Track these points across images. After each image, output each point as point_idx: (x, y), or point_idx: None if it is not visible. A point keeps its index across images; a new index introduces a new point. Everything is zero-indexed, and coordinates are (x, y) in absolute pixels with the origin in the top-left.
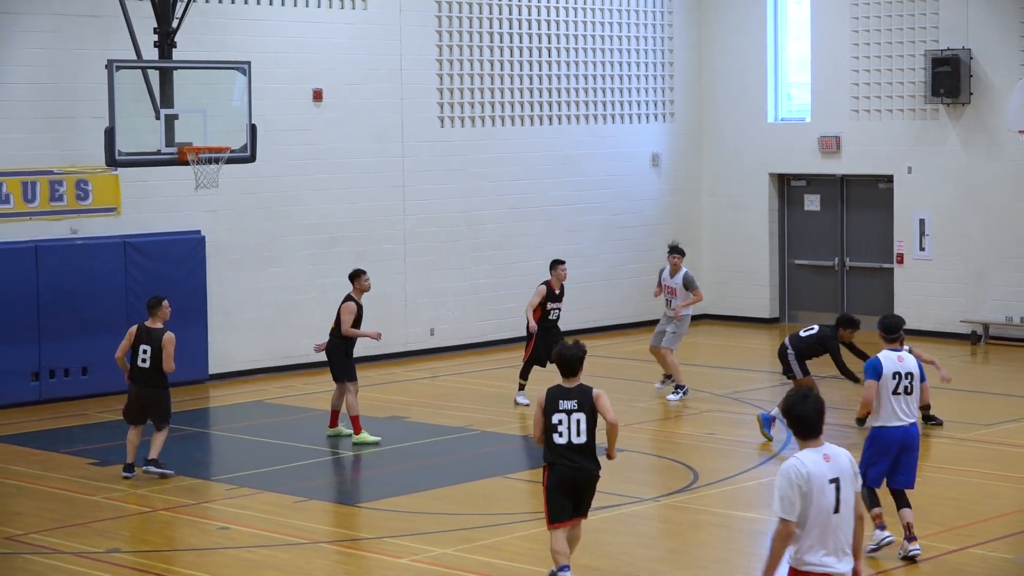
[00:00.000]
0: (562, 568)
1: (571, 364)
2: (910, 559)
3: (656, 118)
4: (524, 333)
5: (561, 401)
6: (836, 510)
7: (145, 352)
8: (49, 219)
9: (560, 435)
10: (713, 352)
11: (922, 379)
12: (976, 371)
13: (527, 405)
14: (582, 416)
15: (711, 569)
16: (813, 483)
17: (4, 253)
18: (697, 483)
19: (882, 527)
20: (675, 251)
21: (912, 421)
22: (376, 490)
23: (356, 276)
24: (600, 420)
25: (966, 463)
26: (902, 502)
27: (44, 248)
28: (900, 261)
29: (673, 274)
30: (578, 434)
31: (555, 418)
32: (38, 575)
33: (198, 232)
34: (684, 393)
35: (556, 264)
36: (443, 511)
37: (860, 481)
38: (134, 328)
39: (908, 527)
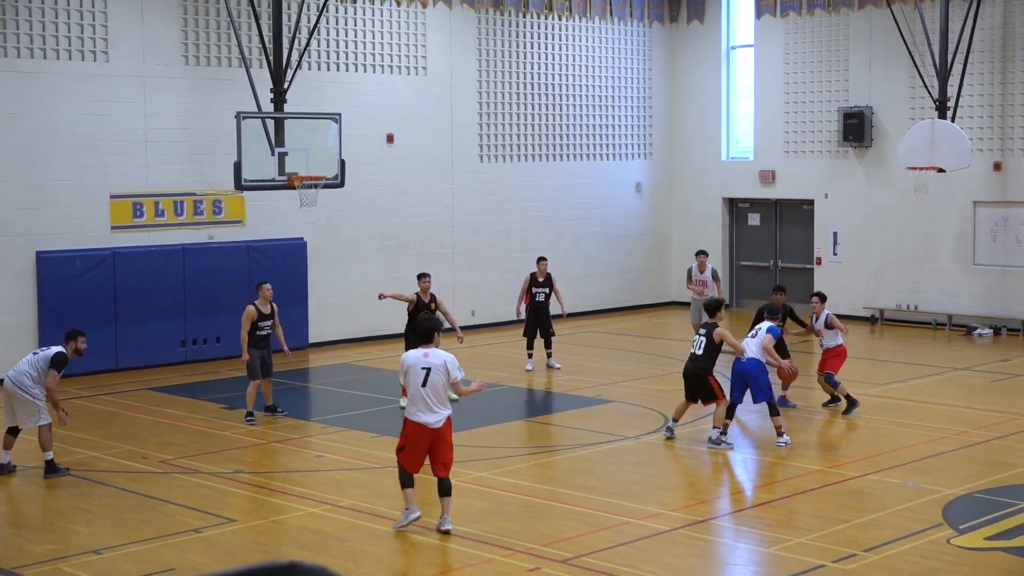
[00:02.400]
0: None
1: (427, 334)
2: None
3: (639, 156)
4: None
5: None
6: (423, 384)
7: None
8: (192, 229)
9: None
10: (680, 330)
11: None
12: (874, 344)
13: (530, 371)
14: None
15: (679, 489)
16: (409, 366)
17: (160, 253)
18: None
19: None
20: (701, 253)
21: (748, 358)
22: None
23: (420, 278)
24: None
25: (867, 413)
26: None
27: (189, 250)
28: (819, 263)
29: (701, 270)
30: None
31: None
32: (185, 489)
33: (301, 239)
34: None
35: (539, 260)
36: (479, 444)
37: (459, 374)
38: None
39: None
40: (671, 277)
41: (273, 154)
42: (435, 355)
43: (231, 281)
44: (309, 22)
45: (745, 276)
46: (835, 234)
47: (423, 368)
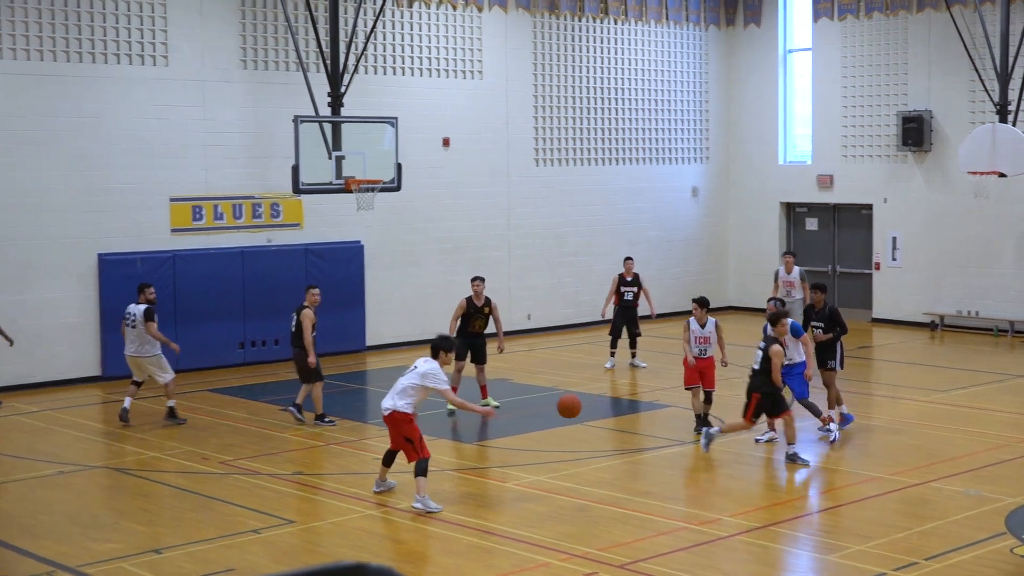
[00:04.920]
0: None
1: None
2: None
3: (695, 160)
4: (598, 318)
5: None
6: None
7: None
8: (251, 231)
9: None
10: (738, 335)
11: None
12: (934, 351)
13: (609, 368)
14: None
15: (736, 495)
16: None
17: (219, 256)
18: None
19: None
20: (788, 254)
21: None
22: (487, 432)
23: (473, 281)
24: None
25: (926, 419)
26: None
27: (247, 253)
28: (877, 268)
29: (788, 271)
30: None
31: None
32: (245, 490)
33: (358, 242)
34: None
35: (626, 260)
36: (537, 448)
37: (424, 381)
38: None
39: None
40: (727, 282)
41: (330, 158)
42: (423, 363)
43: (289, 284)
44: (366, 26)
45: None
46: (894, 239)
47: (413, 365)
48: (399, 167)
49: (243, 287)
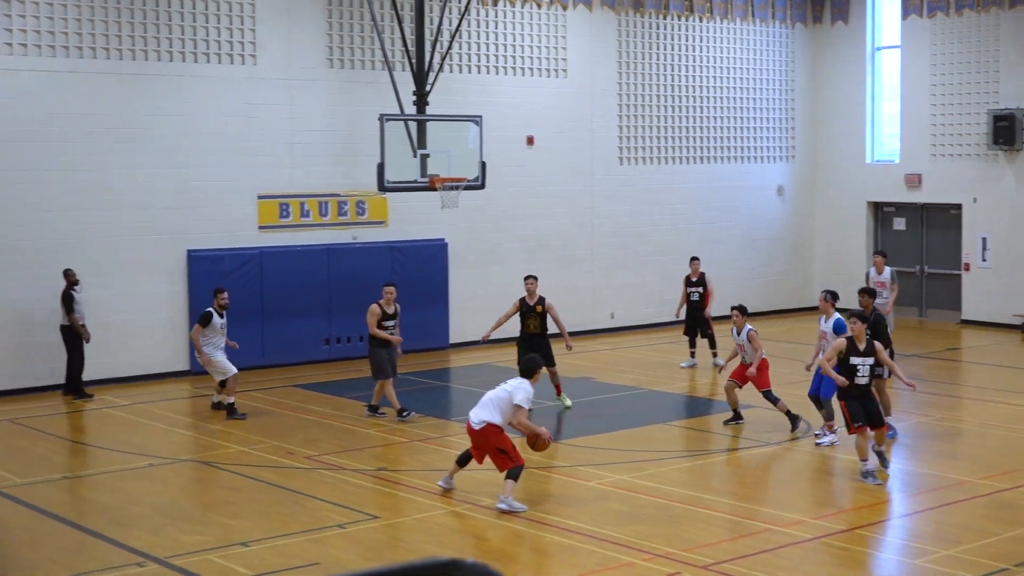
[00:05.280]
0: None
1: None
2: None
3: (781, 159)
4: (681, 317)
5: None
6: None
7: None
8: (336, 229)
9: None
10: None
11: None
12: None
13: (684, 368)
14: None
15: (822, 497)
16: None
17: (305, 253)
18: (810, 431)
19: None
20: (879, 254)
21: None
22: (570, 431)
23: (526, 279)
24: None
25: (1016, 422)
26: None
27: (333, 250)
28: (967, 269)
29: (879, 272)
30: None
31: None
32: (329, 485)
33: (443, 239)
34: None
35: (692, 260)
36: (619, 448)
37: (513, 396)
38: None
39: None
40: (813, 282)
41: (415, 156)
42: (514, 382)
43: (374, 281)
44: (451, 25)
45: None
46: (984, 239)
47: (506, 382)
48: (483, 165)
49: (328, 284)
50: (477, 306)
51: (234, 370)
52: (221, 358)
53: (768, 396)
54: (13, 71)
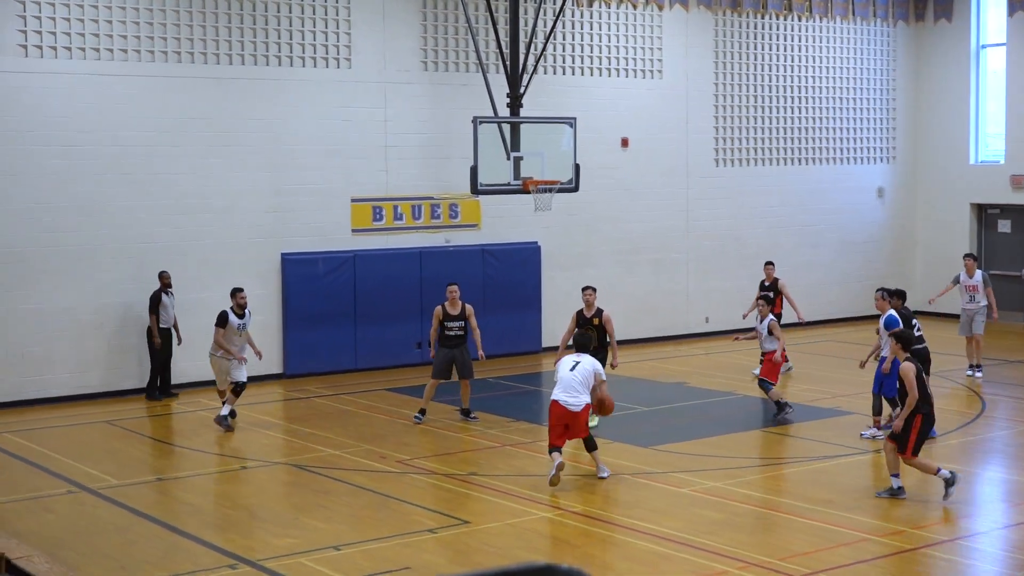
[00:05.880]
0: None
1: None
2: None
3: (881, 160)
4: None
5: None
6: (571, 370)
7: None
8: (429, 232)
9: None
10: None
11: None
12: None
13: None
14: None
15: (923, 506)
16: (561, 363)
17: (399, 256)
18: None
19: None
20: (970, 256)
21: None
22: (664, 437)
23: (584, 291)
24: None
25: None
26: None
27: (425, 253)
28: None
29: (970, 275)
30: None
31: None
32: (421, 489)
33: (535, 243)
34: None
35: (766, 264)
36: (714, 454)
37: (597, 373)
38: (439, 308)
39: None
40: (915, 286)
41: (508, 158)
42: (586, 357)
43: (466, 284)
44: (545, 27)
45: (993, 285)
46: None
47: (573, 360)
48: (577, 168)
49: (421, 287)
50: (570, 310)
51: (244, 378)
52: (233, 365)
53: (763, 384)
54: (119, 76)
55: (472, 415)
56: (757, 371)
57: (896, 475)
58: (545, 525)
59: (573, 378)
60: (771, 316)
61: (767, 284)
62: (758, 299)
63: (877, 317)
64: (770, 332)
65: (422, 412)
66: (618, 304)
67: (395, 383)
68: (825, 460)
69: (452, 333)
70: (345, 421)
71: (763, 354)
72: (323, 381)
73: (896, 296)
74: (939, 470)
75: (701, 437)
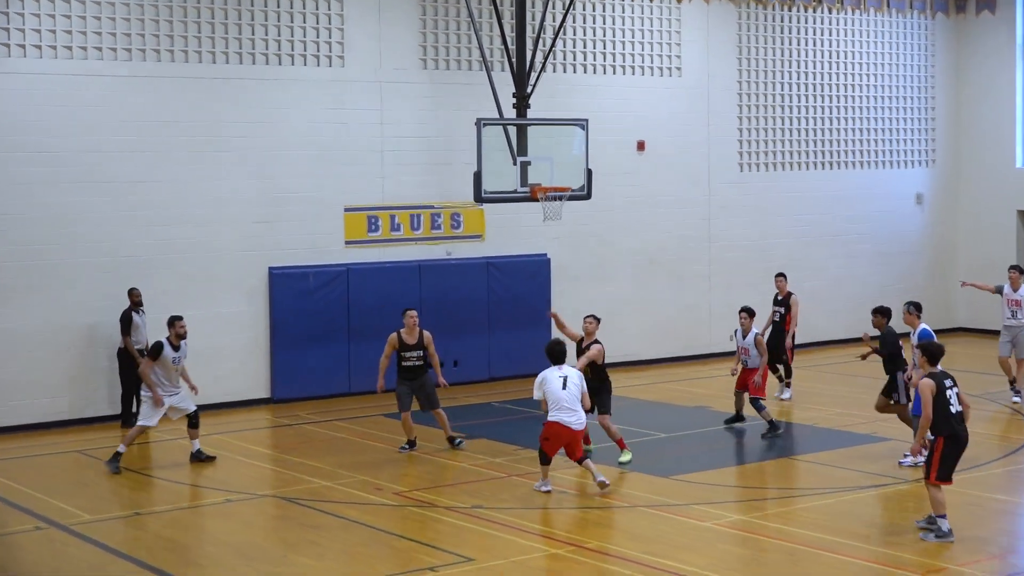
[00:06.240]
0: (942, 516)
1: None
2: None
3: (919, 163)
4: (807, 340)
5: (946, 381)
6: (563, 388)
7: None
8: (429, 244)
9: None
10: (971, 360)
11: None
12: None
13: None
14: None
15: (969, 542)
16: (547, 380)
17: (396, 270)
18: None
19: None
20: (1014, 269)
21: None
22: (685, 465)
23: (585, 319)
24: None
25: None
26: None
27: (425, 267)
28: None
29: (1015, 288)
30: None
31: (947, 395)
32: (420, 523)
33: (545, 255)
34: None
35: (777, 276)
36: (739, 484)
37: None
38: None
39: None
40: (956, 300)
41: (515, 163)
42: (568, 368)
43: (470, 300)
44: (554, 21)
45: None
46: None
47: (560, 376)
48: (589, 173)
49: (420, 303)
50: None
51: (192, 406)
52: (176, 400)
53: (755, 403)
54: (86, 76)
55: (457, 441)
56: (786, 394)
57: (943, 516)
58: (556, 563)
59: (569, 395)
60: (755, 330)
61: (780, 299)
62: (773, 315)
63: (911, 334)
64: (756, 347)
65: (410, 443)
66: (634, 321)
67: (392, 408)
68: (860, 491)
69: (410, 364)
70: (338, 450)
71: (744, 368)
72: (314, 406)
73: (880, 314)
74: (943, 517)
75: (725, 466)
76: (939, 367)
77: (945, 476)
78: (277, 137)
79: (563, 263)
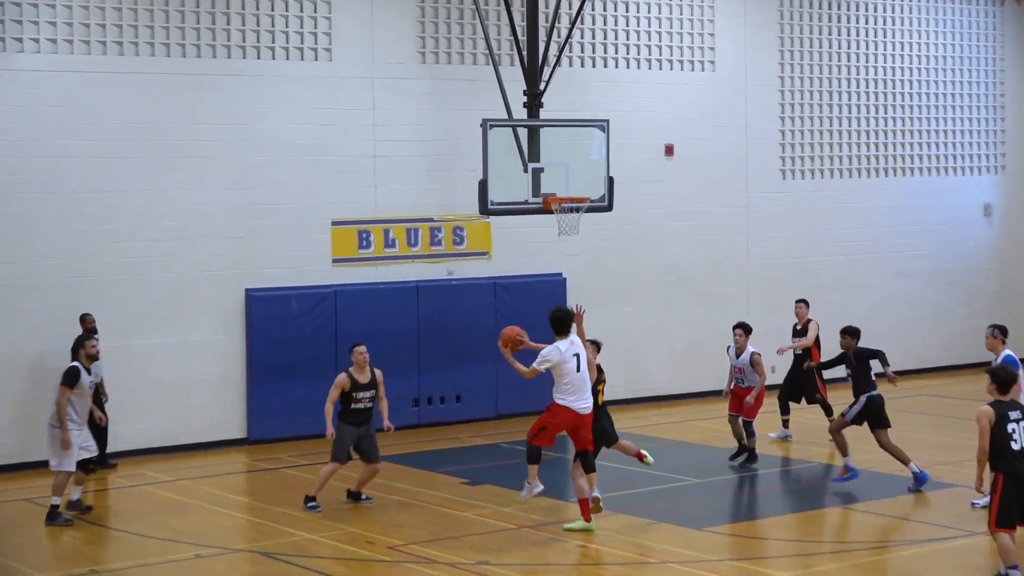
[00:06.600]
0: (1013, 567)
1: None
2: None
3: (987, 170)
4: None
5: (1011, 412)
6: (577, 370)
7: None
8: (428, 262)
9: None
10: None
11: None
12: None
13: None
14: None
15: None
16: (564, 360)
17: (390, 292)
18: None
19: None
20: None
21: None
22: (720, 515)
23: (592, 343)
24: None
25: None
26: None
27: (424, 288)
28: None
29: None
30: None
31: (1009, 428)
32: None
33: (560, 274)
34: None
35: (797, 303)
36: (783, 537)
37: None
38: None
39: None
40: None
41: (526, 170)
42: (577, 344)
43: (474, 326)
44: (570, 9)
45: None
46: None
47: (574, 355)
48: (610, 181)
49: (418, 330)
50: (603, 354)
51: (95, 451)
52: (82, 439)
53: (747, 427)
54: (37, 72)
55: (364, 497)
56: (780, 434)
57: (1014, 567)
58: None
59: (583, 379)
60: (751, 349)
61: (799, 328)
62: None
63: (983, 364)
64: (752, 367)
65: (313, 500)
66: (661, 349)
67: (385, 450)
68: (923, 544)
69: (361, 406)
70: (323, 498)
71: (736, 386)
72: (295, 448)
73: (849, 335)
74: (1015, 568)
75: (766, 516)
76: (1008, 396)
77: (1007, 523)
78: (255, 141)
79: (580, 283)
